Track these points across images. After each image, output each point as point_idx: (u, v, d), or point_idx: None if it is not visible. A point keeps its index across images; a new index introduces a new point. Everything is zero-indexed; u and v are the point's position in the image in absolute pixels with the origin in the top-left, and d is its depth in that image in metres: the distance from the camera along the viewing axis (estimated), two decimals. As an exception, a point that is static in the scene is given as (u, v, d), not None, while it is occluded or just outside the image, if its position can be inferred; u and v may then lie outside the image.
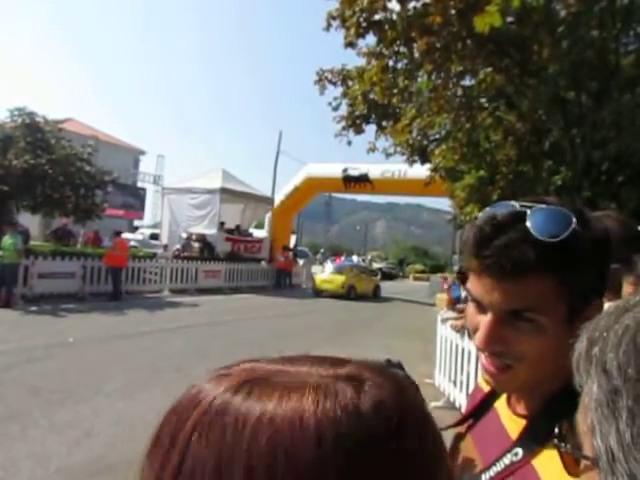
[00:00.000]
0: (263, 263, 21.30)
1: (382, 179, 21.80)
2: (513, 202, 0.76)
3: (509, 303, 0.75)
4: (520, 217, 0.75)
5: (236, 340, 9.23)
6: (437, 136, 9.44)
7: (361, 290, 19.82)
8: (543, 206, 0.75)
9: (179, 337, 9.13)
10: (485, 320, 0.78)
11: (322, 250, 39.79)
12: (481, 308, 0.80)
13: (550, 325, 0.74)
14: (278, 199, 23.46)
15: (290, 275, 21.54)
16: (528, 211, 0.75)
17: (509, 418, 0.84)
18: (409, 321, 13.95)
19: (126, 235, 18.96)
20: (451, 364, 6.33)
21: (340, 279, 19.12)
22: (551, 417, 0.75)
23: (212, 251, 18.65)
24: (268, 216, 22.70)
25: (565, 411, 0.76)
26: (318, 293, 19.16)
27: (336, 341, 9.56)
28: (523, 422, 0.80)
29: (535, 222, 0.73)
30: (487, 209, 0.79)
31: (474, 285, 0.79)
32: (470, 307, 0.82)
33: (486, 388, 0.95)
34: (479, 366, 0.87)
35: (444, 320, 6.81)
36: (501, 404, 0.89)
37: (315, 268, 24.41)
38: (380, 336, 11.02)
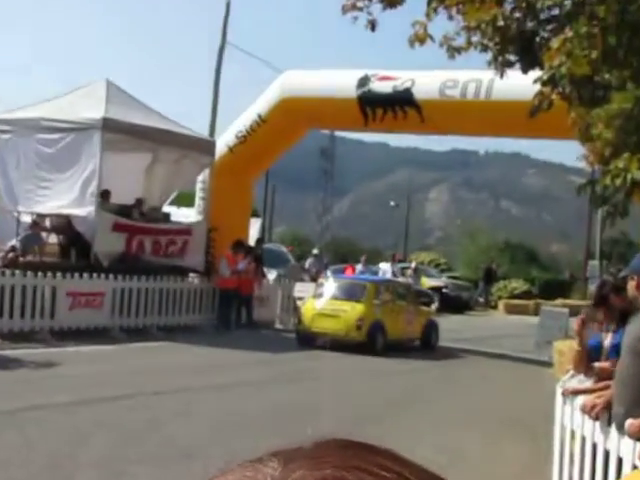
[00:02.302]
0: (192, 278, 21.32)
1: (441, 102, 21.82)
2: None
3: None
4: None
5: (130, 441, 9.30)
6: (555, 12, 9.44)
7: (397, 333, 19.95)
8: None
9: (15, 432, 9.20)
10: None
11: (316, 251, 39.75)
12: None
13: None
14: (224, 144, 23.47)
15: (249, 302, 21.70)
16: None
17: None
18: (498, 399, 14.01)
19: None
20: (584, 485, 6.39)
21: (353, 311, 19.19)
22: None
23: (85, 252, 18.69)
24: (202, 180, 22.72)
25: None
26: (308, 339, 19.29)
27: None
28: None
29: None
30: None
31: None
32: None
33: None
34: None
35: (568, 394, 6.87)
36: None
37: (302, 287, 24.47)
38: (438, 429, 11.10)
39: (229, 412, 11.17)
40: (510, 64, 10.17)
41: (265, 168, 28.92)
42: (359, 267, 33.68)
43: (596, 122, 8.86)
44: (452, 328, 24.39)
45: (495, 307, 43.42)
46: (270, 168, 32.19)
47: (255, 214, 36.41)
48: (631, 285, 5.74)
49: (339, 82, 22.94)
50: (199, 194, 22.97)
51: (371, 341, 18.96)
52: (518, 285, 46.82)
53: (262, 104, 23.78)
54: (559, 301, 39.75)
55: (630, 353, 5.53)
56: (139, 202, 20.97)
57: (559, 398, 7.14)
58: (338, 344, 18.67)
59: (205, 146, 22.29)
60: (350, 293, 20.01)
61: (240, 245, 21.78)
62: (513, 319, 36.26)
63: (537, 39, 9.69)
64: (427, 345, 20.94)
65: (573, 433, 6.72)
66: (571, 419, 6.76)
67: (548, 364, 17.86)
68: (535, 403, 12.76)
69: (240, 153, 23.52)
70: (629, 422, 5.47)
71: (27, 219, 19.12)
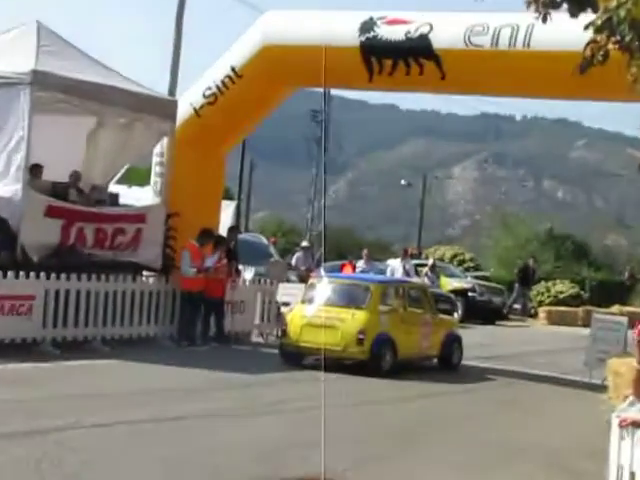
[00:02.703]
0: (147, 277, 21.38)
1: (467, 52, 21.77)
2: None
3: None
4: None
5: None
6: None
7: (410, 350, 19.99)
8: None
9: None
10: None
11: (305, 243, 39.78)
12: None
13: None
14: (188, 105, 23.37)
15: (220, 309, 21.75)
16: None
17: None
18: (535, 432, 14.04)
19: None
20: None
21: (354, 321, 19.15)
22: None
23: (9, 244, 18.62)
24: (160, 151, 22.63)
25: None
26: (295, 357, 19.36)
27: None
28: None
29: None
30: None
31: None
32: None
33: None
34: None
35: (626, 425, 6.84)
36: None
37: (288, 289, 24.47)
38: (459, 472, 11.11)
39: (192, 451, 11.12)
40: (555, 5, 10.17)
41: (241, 137, 28.87)
42: (361, 264, 33.73)
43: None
44: (480, 342, 24.46)
45: (535, 316, 43.50)
46: (248, 137, 32.15)
47: (228, 196, 36.40)
48: None
49: (336, 26, 22.88)
50: (156, 170, 22.88)
51: (376, 359, 18.95)
52: (564, 288, 46.95)
53: (237, 54, 23.67)
54: (616, 308, 39.80)
55: None
56: (77, 177, 20.87)
57: (615, 431, 7.15)
58: (333, 363, 18.67)
59: (164, 108, 22.20)
60: (349, 297, 20.02)
61: (208, 235, 21.74)
62: (557, 331, 36.37)
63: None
64: (447, 364, 21.02)
65: (633, 475, 6.73)
66: (630, 457, 6.76)
67: (601, 388, 17.89)
68: (584, 438, 12.78)
69: (209, 117, 23.43)
70: None
71: None
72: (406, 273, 33.25)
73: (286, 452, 11.28)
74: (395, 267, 34.34)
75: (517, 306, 43.89)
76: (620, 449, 7.10)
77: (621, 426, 7.06)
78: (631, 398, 7.51)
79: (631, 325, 20.60)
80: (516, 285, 44.84)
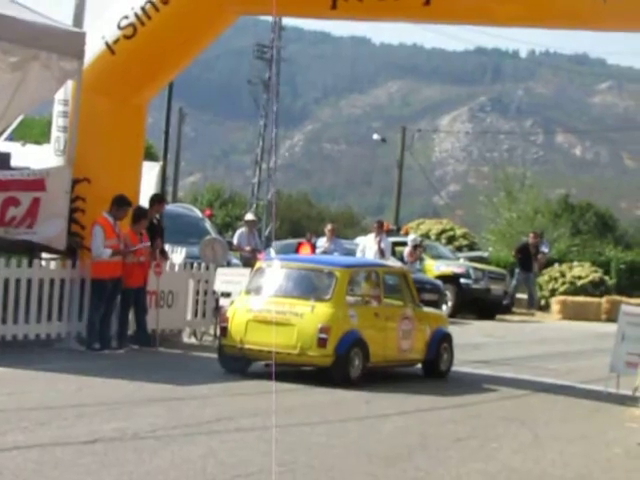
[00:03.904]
0: (47, 261, 21.39)
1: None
2: None
3: None
4: None
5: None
6: None
7: (386, 352, 20.12)
8: None
9: None
10: None
11: (250, 216, 39.75)
12: None
13: None
14: (99, 39, 23.23)
15: (141, 301, 21.85)
16: None
17: None
18: (544, 458, 14.18)
19: None
20: None
21: (313, 316, 19.20)
22: None
23: None
24: (62, 98, 22.54)
25: None
26: (238, 363, 19.48)
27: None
28: None
29: None
30: None
31: None
32: None
33: None
34: None
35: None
36: None
37: (228, 276, 24.44)
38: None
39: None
40: None
41: (167, 80, 28.80)
42: (323, 243, 33.77)
43: None
44: (476, 343, 24.57)
45: (546, 308, 43.75)
46: (176, 80, 32.08)
47: (150, 155, 36.30)
48: None
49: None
50: (58, 122, 22.86)
51: (342, 365, 19.00)
52: (583, 272, 47.21)
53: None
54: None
55: None
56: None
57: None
58: (288, 370, 18.72)
59: (68, 42, 22.03)
60: (308, 286, 20.17)
61: (123, 203, 21.67)
62: (575, 327, 36.59)
63: None
64: (434, 371, 21.18)
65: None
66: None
67: (632, 400, 18.01)
68: (610, 466, 12.87)
69: (126, 55, 23.32)
70: None
71: None
72: (381, 254, 33.32)
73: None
74: (367, 246, 34.43)
75: (522, 296, 44.07)
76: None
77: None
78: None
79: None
80: (516, 270, 44.92)
